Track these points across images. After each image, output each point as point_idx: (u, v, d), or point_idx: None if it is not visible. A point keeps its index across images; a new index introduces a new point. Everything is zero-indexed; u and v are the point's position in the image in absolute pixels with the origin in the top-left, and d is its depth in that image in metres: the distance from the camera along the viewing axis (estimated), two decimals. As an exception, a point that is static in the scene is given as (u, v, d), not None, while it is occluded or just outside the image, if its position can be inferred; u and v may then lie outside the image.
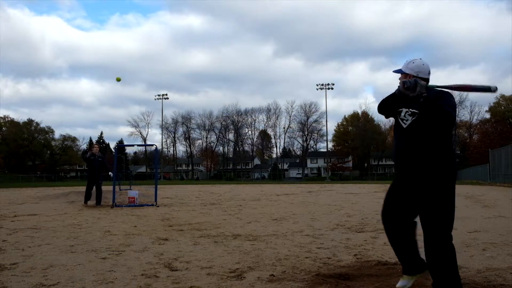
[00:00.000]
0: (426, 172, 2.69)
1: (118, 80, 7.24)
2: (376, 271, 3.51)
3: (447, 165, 2.70)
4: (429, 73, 2.82)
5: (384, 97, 2.94)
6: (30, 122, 75.97)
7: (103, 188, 11.75)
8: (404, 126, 2.80)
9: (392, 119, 3.01)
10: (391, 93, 2.85)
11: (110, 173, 12.19)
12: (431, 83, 2.80)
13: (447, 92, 2.73)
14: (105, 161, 12.09)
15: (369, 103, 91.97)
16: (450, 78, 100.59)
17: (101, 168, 11.61)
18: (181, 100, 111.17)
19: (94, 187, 11.44)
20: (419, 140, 2.72)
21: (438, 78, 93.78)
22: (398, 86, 2.68)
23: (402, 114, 2.82)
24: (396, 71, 2.93)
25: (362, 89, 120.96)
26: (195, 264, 3.90)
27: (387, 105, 2.89)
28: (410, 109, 2.77)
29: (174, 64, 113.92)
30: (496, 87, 2.56)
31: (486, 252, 4.36)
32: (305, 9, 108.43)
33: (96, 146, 12.79)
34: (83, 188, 11.89)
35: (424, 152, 2.70)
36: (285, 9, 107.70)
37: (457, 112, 2.78)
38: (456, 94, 66.59)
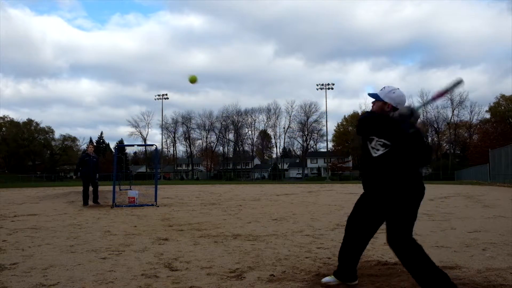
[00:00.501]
0: (390, 194, 2.83)
1: (193, 80, 6.20)
2: (376, 271, 3.51)
3: (410, 186, 2.82)
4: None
5: (367, 120, 2.87)
6: (30, 122, 76.02)
7: (101, 188, 11.72)
8: (374, 155, 2.87)
9: None
10: (373, 117, 2.84)
11: (97, 175, 11.89)
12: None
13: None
14: (98, 162, 11.95)
15: (369, 103, 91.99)
16: (451, 79, 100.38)
17: (95, 168, 11.47)
18: (181, 100, 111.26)
19: (91, 187, 11.42)
20: (388, 170, 2.83)
21: (439, 79, 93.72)
22: (393, 114, 2.74)
23: (373, 143, 2.87)
24: (372, 96, 2.95)
25: (362, 89, 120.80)
26: (195, 264, 3.90)
27: (371, 129, 2.87)
28: (382, 140, 2.82)
29: (174, 64, 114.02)
30: (462, 79, 2.67)
31: (486, 252, 4.36)
32: (306, 9, 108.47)
33: (91, 146, 12.59)
34: (82, 188, 11.86)
35: (390, 180, 2.82)
36: (286, 9, 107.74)
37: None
38: (456, 94, 66.67)
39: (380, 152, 2.84)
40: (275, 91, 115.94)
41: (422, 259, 2.70)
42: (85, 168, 11.34)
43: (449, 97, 67.28)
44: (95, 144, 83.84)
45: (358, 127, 2.93)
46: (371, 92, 3.00)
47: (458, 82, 2.68)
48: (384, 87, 2.92)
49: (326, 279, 3.18)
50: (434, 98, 2.84)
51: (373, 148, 2.87)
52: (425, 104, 2.85)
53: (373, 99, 2.95)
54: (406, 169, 2.81)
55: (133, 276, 3.48)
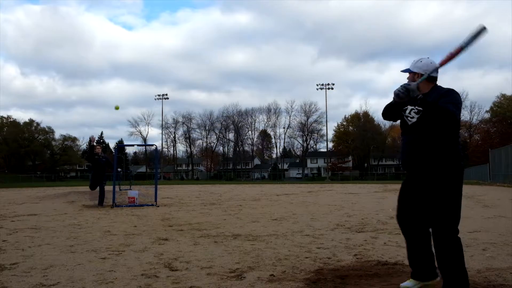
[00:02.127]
0: (431, 168, 2.74)
1: (117, 108, 7.02)
2: (376, 271, 3.51)
3: (452, 161, 2.73)
4: (436, 71, 2.86)
5: (386, 105, 3.03)
6: (30, 122, 76.03)
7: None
8: (409, 123, 2.87)
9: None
10: (390, 101, 2.94)
11: (119, 169, 11.74)
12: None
13: (452, 90, 2.79)
14: (109, 160, 11.86)
15: (370, 104, 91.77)
16: (484, 78, 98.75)
17: (105, 168, 11.38)
18: (182, 100, 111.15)
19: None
20: (423, 137, 2.77)
21: (472, 78, 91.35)
22: (393, 97, 2.75)
23: (407, 111, 2.88)
24: (404, 71, 2.99)
25: (391, 88, 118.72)
26: (195, 264, 3.90)
27: (391, 112, 3.00)
28: (416, 107, 2.82)
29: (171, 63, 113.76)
30: (484, 26, 2.53)
31: (486, 252, 4.36)
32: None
33: (99, 146, 12.31)
34: (83, 188, 11.88)
35: (427, 149, 2.75)
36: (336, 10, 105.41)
37: (460, 109, 2.80)
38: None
39: (414, 120, 2.83)
40: (274, 89, 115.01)
41: (462, 261, 2.67)
42: (95, 169, 11.20)
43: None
44: (96, 144, 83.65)
45: (383, 111, 3.02)
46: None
47: (479, 33, 2.54)
48: (414, 59, 2.97)
49: (404, 284, 2.95)
50: (450, 58, 2.69)
51: (407, 117, 2.88)
52: (436, 69, 2.76)
53: (407, 74, 2.98)
54: (442, 135, 2.73)
55: (133, 276, 3.48)
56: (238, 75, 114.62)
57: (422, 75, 2.81)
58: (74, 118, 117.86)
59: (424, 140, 2.76)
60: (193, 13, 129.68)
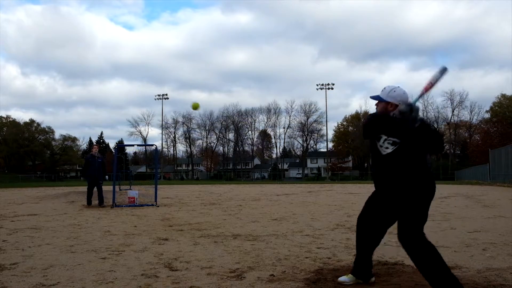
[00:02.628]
0: (403, 191, 2.82)
1: (195, 107, 6.46)
2: (376, 271, 3.50)
3: (422, 183, 2.81)
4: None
5: (369, 123, 2.94)
6: (31, 122, 76.02)
7: (103, 188, 11.69)
8: (383, 153, 2.89)
9: None
10: (378, 116, 2.91)
11: (106, 176, 11.94)
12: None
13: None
14: (104, 162, 11.88)
15: (371, 104, 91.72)
16: (484, 78, 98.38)
17: (100, 169, 11.40)
18: (182, 100, 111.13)
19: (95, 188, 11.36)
20: (398, 168, 2.83)
21: (472, 77, 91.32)
22: (396, 114, 2.74)
23: (381, 141, 2.89)
24: (374, 98, 2.99)
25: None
26: (195, 264, 3.90)
27: (374, 132, 2.92)
28: (391, 138, 2.85)
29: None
30: (445, 67, 2.69)
31: (486, 252, 4.37)
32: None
33: (96, 146, 12.53)
34: (83, 188, 11.88)
35: (402, 178, 2.82)
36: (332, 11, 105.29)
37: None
38: (456, 93, 66.75)
39: (389, 150, 2.85)
40: (274, 89, 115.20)
41: (433, 257, 2.70)
42: (90, 170, 11.27)
43: (447, 95, 67.44)
44: (94, 143, 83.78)
45: (365, 130, 2.97)
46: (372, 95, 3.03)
47: (443, 71, 2.70)
48: (385, 88, 2.97)
49: (342, 278, 3.18)
50: (427, 90, 2.80)
51: (381, 146, 2.89)
52: (419, 97, 2.80)
53: (376, 101, 2.99)
54: (417, 166, 2.81)
55: (133, 276, 3.48)
56: (239, 75, 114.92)
57: (396, 105, 2.81)
58: (75, 118, 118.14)
59: (398, 170, 2.82)
60: (194, 13, 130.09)
